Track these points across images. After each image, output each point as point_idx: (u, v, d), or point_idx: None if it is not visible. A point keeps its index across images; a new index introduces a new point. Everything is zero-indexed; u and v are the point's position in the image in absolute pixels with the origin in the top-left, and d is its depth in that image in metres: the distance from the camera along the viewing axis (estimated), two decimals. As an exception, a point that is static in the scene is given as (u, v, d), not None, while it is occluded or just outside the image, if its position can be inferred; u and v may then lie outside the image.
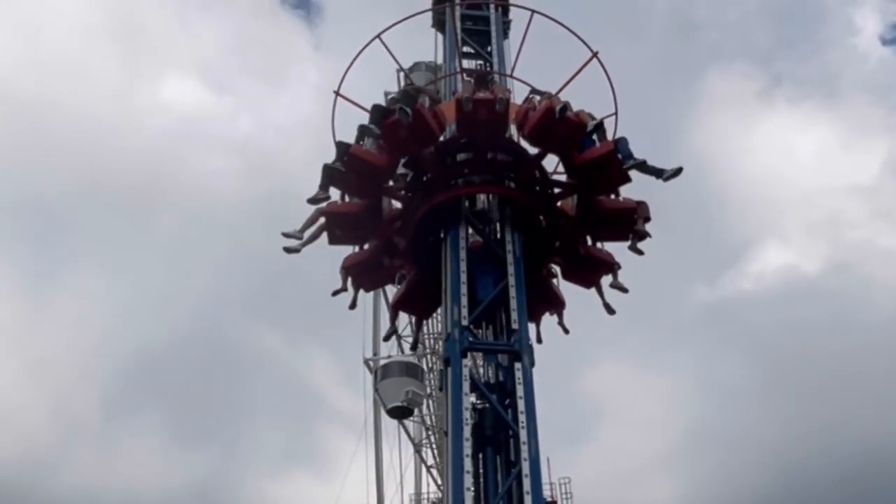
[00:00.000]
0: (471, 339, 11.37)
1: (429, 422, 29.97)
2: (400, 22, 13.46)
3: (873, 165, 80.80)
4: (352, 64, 13.20)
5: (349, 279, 13.19)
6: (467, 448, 10.33)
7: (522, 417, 10.63)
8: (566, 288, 13.55)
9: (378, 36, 13.31)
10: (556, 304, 13.51)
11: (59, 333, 57.66)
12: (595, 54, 12.90)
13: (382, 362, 29.49)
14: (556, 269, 13.42)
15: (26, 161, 57.67)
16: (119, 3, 64.99)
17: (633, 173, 12.12)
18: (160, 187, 62.91)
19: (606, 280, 13.24)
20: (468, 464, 10.23)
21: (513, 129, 12.86)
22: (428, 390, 27.87)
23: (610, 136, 12.45)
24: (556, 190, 12.84)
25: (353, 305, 13.45)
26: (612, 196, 12.78)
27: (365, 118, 12.13)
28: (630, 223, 12.67)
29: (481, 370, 12.25)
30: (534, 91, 12.78)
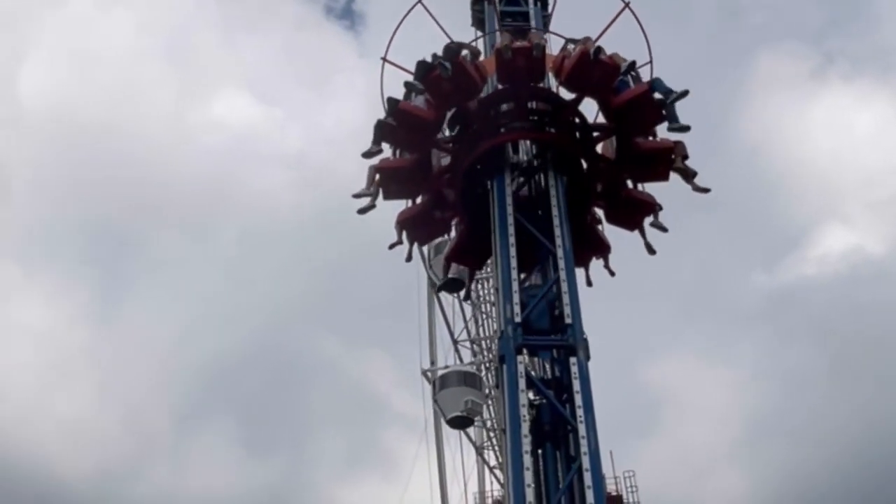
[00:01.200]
0: (524, 335, 11.39)
1: (489, 424, 30.22)
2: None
3: (935, 140, 77.26)
4: (396, 30, 13.90)
5: (404, 233, 13.90)
6: (526, 444, 10.33)
7: (580, 412, 10.65)
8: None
9: (419, 1, 14.05)
10: (601, 249, 14.02)
11: (130, 349, 59.29)
12: (627, 5, 13.50)
13: (440, 373, 29.86)
14: (600, 213, 13.97)
15: (91, 184, 59.97)
16: (169, 25, 67.41)
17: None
18: (219, 203, 64.51)
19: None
20: (527, 460, 10.22)
21: (552, 81, 13.57)
22: (487, 391, 28.19)
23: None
24: (595, 134, 13.45)
25: (408, 258, 14.14)
26: (650, 137, 13.36)
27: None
28: (668, 162, 13.21)
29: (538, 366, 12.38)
30: (569, 41, 13.40)
